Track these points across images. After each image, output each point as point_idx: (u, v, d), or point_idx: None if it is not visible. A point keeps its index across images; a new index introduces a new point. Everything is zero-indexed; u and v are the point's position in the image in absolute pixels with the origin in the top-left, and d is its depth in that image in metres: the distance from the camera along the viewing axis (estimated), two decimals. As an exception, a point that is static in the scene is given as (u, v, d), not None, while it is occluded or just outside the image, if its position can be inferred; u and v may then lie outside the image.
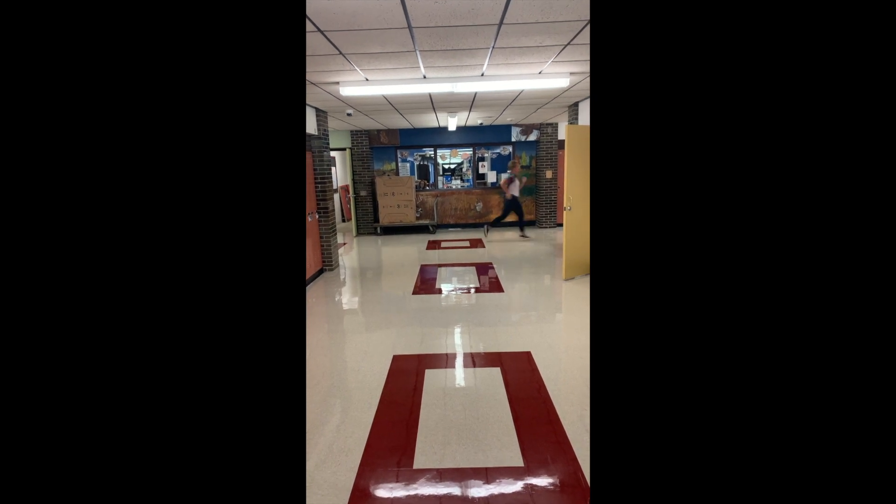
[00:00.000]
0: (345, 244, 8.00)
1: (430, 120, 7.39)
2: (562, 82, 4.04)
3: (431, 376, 2.87)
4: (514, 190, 7.76)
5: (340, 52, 3.03)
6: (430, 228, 8.92)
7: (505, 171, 9.16)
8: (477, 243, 7.62)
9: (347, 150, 8.84)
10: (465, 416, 2.39)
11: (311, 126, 5.41)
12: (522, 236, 8.03)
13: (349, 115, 5.96)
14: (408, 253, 7.09)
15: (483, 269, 5.80)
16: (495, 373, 2.89)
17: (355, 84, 3.96)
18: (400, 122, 7.63)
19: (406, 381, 2.83)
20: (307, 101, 4.99)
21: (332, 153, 9.35)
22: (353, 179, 8.89)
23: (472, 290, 4.86)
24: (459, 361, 3.10)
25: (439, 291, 4.86)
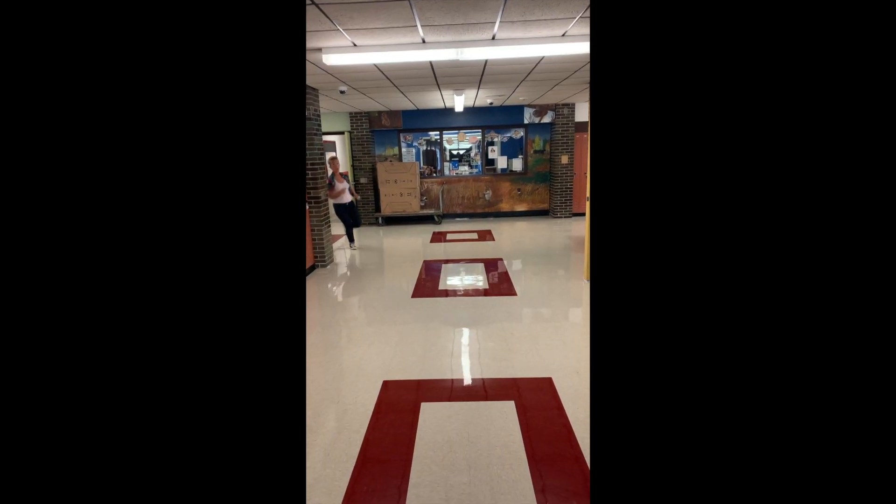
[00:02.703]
0: (343, 236, 7.41)
1: (434, 100, 6.70)
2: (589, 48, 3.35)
3: (429, 413, 2.29)
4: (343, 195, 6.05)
5: (314, 3, 2.39)
6: (436, 218, 8.29)
7: (517, 157, 8.45)
8: (486, 235, 6.98)
9: (346, 133, 8.20)
10: (471, 479, 1.81)
11: (299, 105, 4.78)
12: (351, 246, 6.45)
13: (342, 92, 5.31)
14: (410, 246, 6.49)
15: (492, 265, 5.19)
16: (508, 409, 2.29)
17: (341, 50, 3.32)
18: (402, 103, 6.96)
19: (396, 421, 2.25)
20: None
21: (331, 137, 8.70)
22: (353, 165, 8.25)
23: (481, 294, 4.25)
24: (464, 392, 2.51)
25: (443, 294, 4.26)
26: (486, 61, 4.05)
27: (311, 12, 2.54)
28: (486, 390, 2.50)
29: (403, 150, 8.48)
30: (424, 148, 8.59)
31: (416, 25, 2.86)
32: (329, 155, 5.16)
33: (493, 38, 3.24)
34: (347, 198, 6.08)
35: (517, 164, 8.46)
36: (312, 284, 4.79)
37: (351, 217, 6.28)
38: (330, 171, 5.79)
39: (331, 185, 5.74)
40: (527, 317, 3.58)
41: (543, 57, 3.87)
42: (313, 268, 5.31)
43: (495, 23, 2.87)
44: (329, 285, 4.78)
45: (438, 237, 7.02)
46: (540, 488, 1.75)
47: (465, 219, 8.53)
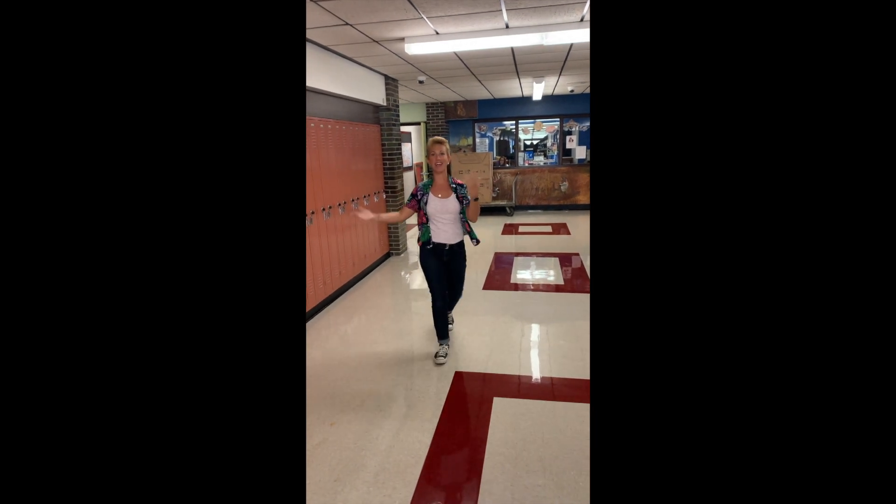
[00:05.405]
0: (417, 225, 7.55)
1: (512, 88, 6.54)
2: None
3: (500, 408, 2.24)
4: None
5: (400, -9, 2.39)
6: (508, 210, 8.15)
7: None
8: (560, 228, 6.74)
9: (422, 123, 8.30)
10: (545, 481, 1.74)
11: (380, 96, 4.90)
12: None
13: (421, 82, 5.35)
14: (481, 237, 6.43)
15: (567, 260, 4.99)
16: (584, 412, 2.18)
17: (423, 39, 3.31)
18: (479, 92, 6.88)
19: (468, 413, 2.23)
20: (373, 66, 4.46)
21: (407, 128, 8.86)
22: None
23: (553, 289, 4.11)
24: (537, 390, 2.43)
25: (514, 288, 4.17)
26: (572, 45, 3.84)
27: (396, 2, 2.55)
28: (561, 390, 2.40)
29: (477, 140, 8.40)
30: (498, 138, 8.45)
31: (500, 10, 2.77)
32: (438, 142, 2.90)
33: (582, 20, 3.06)
34: (446, 236, 2.82)
35: (596, 155, 8.03)
36: (386, 272, 4.92)
37: (437, 285, 2.72)
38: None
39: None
40: (605, 316, 3.39)
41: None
42: (388, 255, 5.46)
43: (586, 2, 2.69)
44: (402, 273, 4.89)
45: (510, 229, 6.89)
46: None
47: (539, 211, 8.30)
